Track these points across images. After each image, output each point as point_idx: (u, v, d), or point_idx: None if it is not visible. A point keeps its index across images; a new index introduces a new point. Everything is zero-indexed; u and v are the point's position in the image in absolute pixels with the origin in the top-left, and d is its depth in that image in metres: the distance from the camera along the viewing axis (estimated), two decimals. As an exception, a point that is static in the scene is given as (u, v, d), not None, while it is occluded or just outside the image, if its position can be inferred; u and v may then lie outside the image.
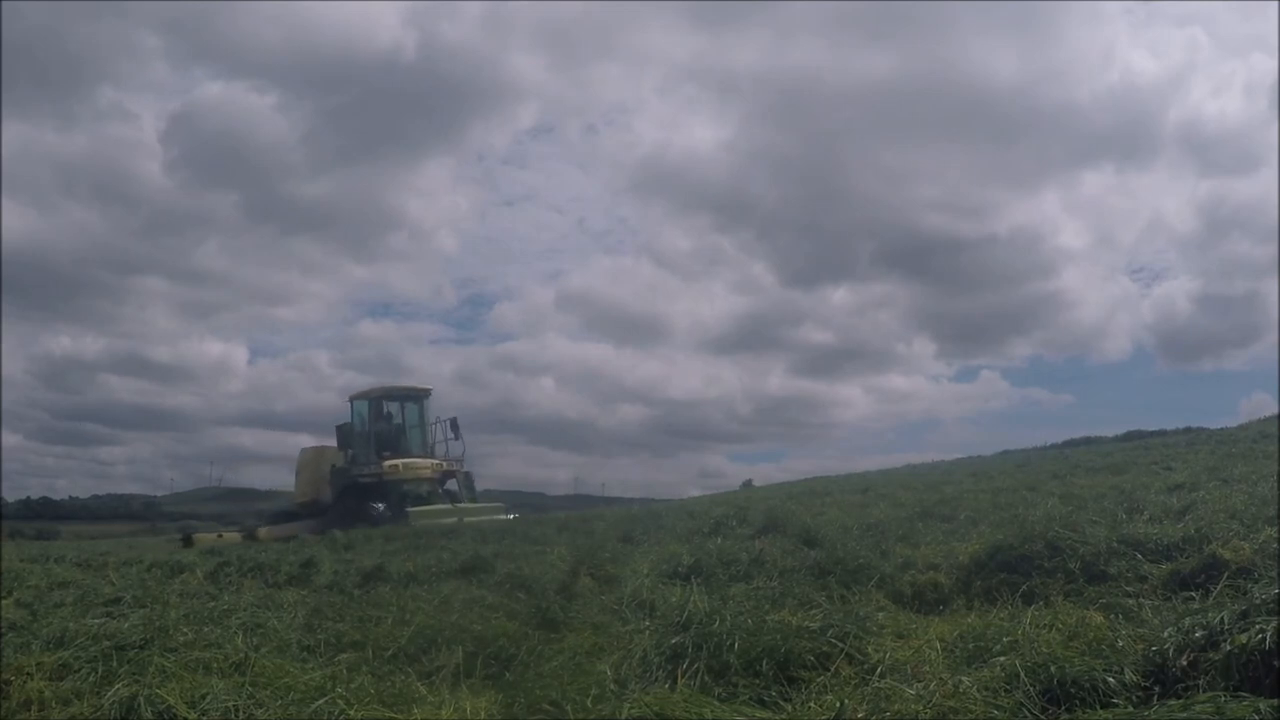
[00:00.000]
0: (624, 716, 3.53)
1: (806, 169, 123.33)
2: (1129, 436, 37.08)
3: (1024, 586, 5.66)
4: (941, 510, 11.08)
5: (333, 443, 23.76)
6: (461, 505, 21.52)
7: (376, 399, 23.97)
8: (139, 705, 3.86)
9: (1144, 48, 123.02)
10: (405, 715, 3.98)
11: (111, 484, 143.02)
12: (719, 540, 9.08)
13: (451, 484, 23.32)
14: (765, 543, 8.26)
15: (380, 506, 21.95)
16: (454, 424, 23.34)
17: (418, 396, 24.62)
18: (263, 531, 21.86)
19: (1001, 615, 4.84)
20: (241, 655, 4.75)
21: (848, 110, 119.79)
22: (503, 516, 20.60)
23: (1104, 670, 3.52)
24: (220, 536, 22.07)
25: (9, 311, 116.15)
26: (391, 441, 23.36)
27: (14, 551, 15.52)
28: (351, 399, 24.49)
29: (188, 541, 20.77)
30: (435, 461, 23.13)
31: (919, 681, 3.67)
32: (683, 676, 4.02)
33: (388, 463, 22.15)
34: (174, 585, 8.49)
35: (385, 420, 23.90)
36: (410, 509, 20.32)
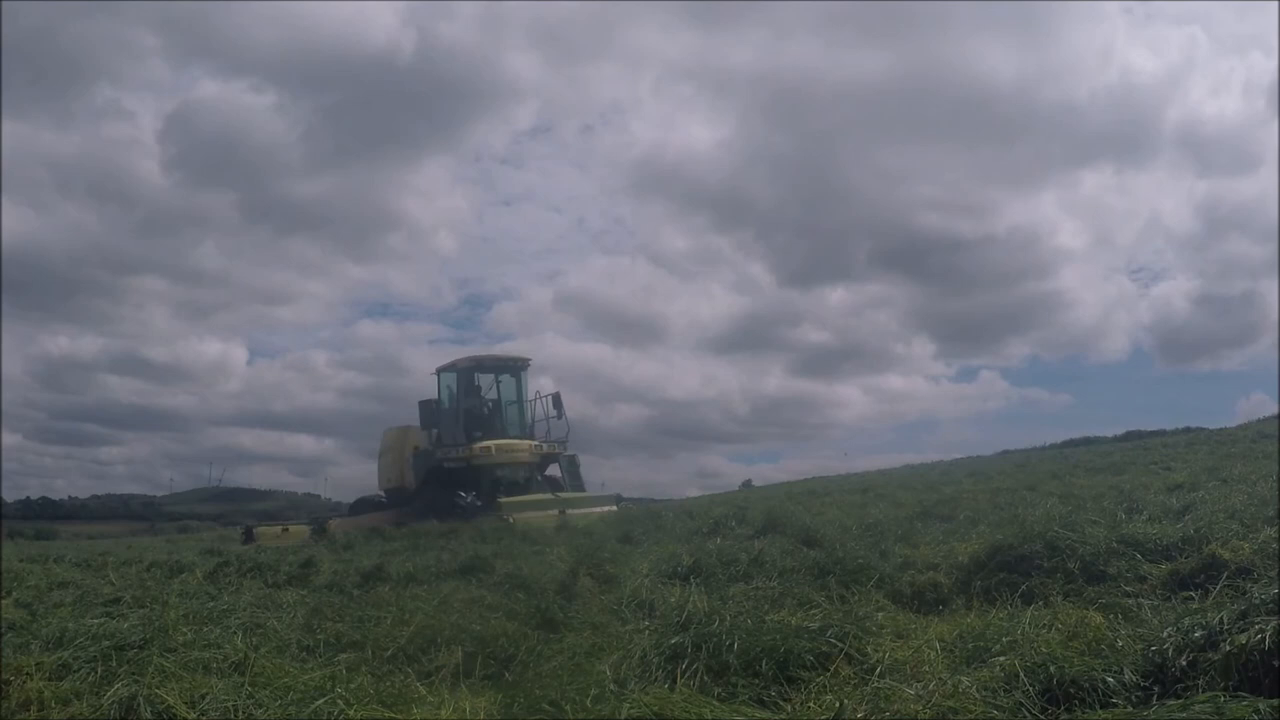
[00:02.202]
0: (623, 716, 3.53)
1: (804, 168, 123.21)
2: (1128, 437, 37.23)
3: (1023, 586, 5.67)
4: (941, 510, 11.10)
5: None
6: (565, 495, 18.20)
7: (466, 370, 20.45)
8: (138, 705, 3.86)
9: (1143, 46, 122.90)
10: (405, 715, 3.97)
11: (110, 484, 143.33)
12: (718, 540, 9.09)
13: (553, 469, 20.06)
14: (764, 543, 8.25)
15: (471, 495, 18.82)
16: (557, 399, 19.95)
17: (515, 367, 21.00)
18: (334, 524, 19.53)
19: (1001, 615, 4.84)
20: (241, 655, 4.74)
21: (845, 109, 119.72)
22: (610, 508, 17.28)
23: (1103, 670, 3.53)
24: (285, 530, 19.75)
25: (7, 311, 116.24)
26: (484, 419, 20.02)
27: (13, 551, 15.55)
28: (438, 371, 21.02)
29: (249, 536, 19.04)
30: (534, 443, 19.65)
31: (918, 681, 3.67)
32: (682, 676, 4.02)
33: (478, 444, 18.96)
34: (173, 585, 8.49)
35: (476, 395, 20.45)
36: (502, 499, 17.32)
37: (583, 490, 19.34)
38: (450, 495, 18.99)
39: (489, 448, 18.91)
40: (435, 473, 19.55)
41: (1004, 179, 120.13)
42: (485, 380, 20.84)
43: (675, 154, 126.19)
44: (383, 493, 21.83)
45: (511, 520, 15.17)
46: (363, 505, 21.90)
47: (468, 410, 19.92)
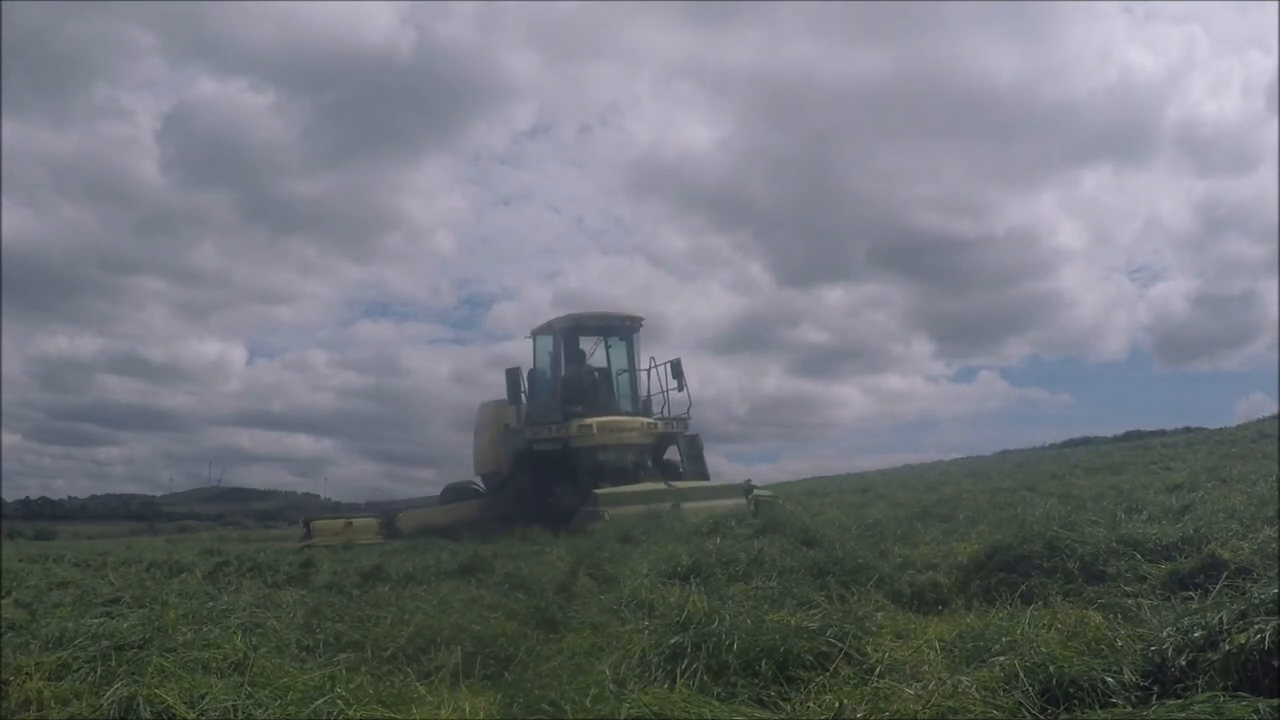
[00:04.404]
0: (623, 716, 3.53)
1: (802, 168, 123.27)
2: (1128, 436, 37.35)
3: (1023, 586, 5.67)
4: (940, 510, 11.10)
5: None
6: (681, 485, 14.59)
7: (565, 332, 16.97)
8: (138, 705, 3.85)
9: (1142, 46, 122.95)
10: (404, 715, 3.97)
11: (109, 484, 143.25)
12: (718, 540, 9.08)
13: (671, 453, 16.83)
14: (764, 543, 8.26)
15: (568, 485, 15.58)
16: (677, 366, 16.54)
17: (625, 329, 17.43)
18: (404, 518, 17.38)
19: (1000, 615, 4.83)
20: (240, 655, 4.74)
21: (844, 108, 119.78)
22: (738, 500, 13.56)
23: (1103, 670, 3.52)
24: (349, 524, 17.30)
25: (6, 311, 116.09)
26: (585, 391, 16.61)
27: (13, 551, 15.51)
28: (533, 334, 17.85)
29: (308, 531, 17.19)
30: (648, 420, 16.27)
31: (918, 681, 3.67)
32: (681, 676, 4.02)
33: (577, 422, 15.71)
34: (173, 585, 8.49)
35: (578, 362, 17.08)
36: (599, 489, 14.02)
37: (705, 478, 15.84)
38: (546, 484, 15.65)
39: (590, 426, 15.59)
40: (525, 456, 16.36)
41: (1003, 179, 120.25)
42: (589, 344, 17.51)
43: (674, 154, 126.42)
44: (479, 479, 19.11)
45: (608, 517, 12.51)
46: (452, 493, 19.04)
47: (565, 381, 16.63)
